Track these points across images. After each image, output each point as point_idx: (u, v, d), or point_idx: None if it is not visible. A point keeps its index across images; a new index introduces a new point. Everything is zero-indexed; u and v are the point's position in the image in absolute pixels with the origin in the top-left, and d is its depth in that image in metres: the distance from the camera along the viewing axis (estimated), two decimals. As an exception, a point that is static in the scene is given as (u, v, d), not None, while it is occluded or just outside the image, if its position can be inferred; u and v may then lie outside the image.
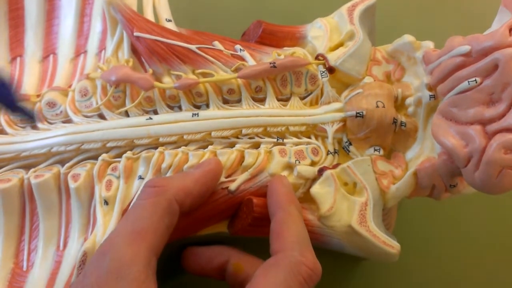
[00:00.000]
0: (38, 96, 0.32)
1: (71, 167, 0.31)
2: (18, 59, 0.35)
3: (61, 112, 0.32)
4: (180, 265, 0.30)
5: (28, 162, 0.31)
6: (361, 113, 0.31)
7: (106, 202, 0.30)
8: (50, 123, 0.32)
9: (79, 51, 0.35)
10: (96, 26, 0.35)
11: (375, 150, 0.32)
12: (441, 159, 0.28)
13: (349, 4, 0.34)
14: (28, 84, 0.34)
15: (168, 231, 0.26)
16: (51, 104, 0.32)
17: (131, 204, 0.29)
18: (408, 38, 0.31)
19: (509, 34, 0.26)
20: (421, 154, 0.30)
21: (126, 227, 0.25)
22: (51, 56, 0.35)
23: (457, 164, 0.27)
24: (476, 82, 0.26)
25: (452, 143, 0.27)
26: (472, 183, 0.27)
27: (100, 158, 0.31)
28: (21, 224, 0.31)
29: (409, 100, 0.31)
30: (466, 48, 0.27)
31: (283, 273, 0.24)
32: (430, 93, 0.29)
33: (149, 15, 0.34)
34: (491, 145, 0.25)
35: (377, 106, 0.31)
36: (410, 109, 0.31)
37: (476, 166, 0.26)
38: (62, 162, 0.31)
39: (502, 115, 0.26)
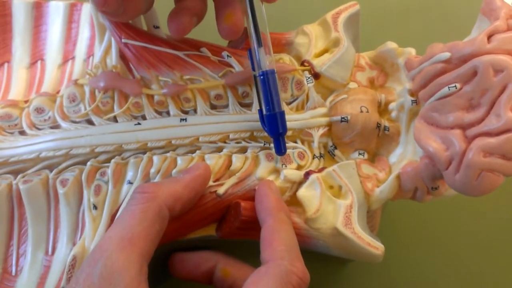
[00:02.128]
0: (26, 102, 0.33)
1: (60, 172, 0.31)
2: (6, 65, 0.35)
3: (49, 117, 0.32)
4: (167, 269, 0.31)
5: (17, 167, 0.31)
6: (345, 118, 0.31)
7: (95, 207, 0.30)
8: (39, 129, 0.32)
9: (67, 57, 0.35)
10: (84, 32, 0.35)
11: (359, 154, 0.32)
12: (423, 163, 0.29)
13: (333, 11, 0.35)
14: (16, 90, 0.34)
15: (158, 237, 0.26)
16: (39, 110, 0.32)
17: (121, 209, 0.30)
18: (390, 45, 0.32)
19: (488, 42, 0.27)
20: (404, 157, 0.31)
21: (116, 234, 0.25)
22: (39, 62, 0.35)
23: (438, 167, 0.28)
24: (456, 88, 0.27)
25: (434, 147, 0.28)
26: (453, 185, 0.28)
27: (88, 163, 0.31)
28: (10, 229, 0.31)
29: (392, 105, 0.32)
30: (446, 55, 0.28)
31: (274, 282, 0.25)
32: (412, 99, 0.30)
33: (137, 22, 0.35)
34: (471, 148, 0.26)
35: (361, 111, 0.31)
36: (393, 114, 0.32)
37: (456, 169, 0.27)
38: (50, 168, 0.31)
39: (481, 120, 0.27)
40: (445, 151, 0.27)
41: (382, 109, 0.33)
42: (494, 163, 0.26)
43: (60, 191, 0.30)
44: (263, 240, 0.27)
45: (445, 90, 0.28)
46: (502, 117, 0.26)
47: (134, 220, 0.26)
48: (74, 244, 0.30)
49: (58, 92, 0.33)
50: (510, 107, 0.26)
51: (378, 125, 0.32)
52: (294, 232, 0.28)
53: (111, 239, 0.25)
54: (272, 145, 0.32)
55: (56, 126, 0.32)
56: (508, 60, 0.26)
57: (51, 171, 0.31)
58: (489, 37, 0.27)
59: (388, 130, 0.32)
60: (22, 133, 0.32)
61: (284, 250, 0.26)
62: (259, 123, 0.32)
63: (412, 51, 0.32)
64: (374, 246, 0.30)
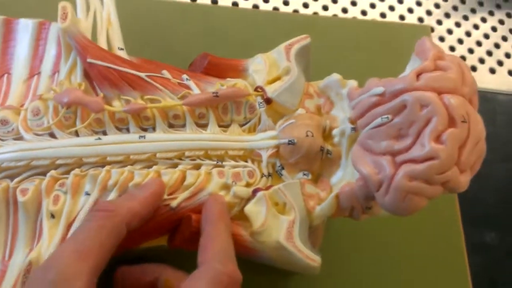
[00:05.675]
0: (-10, 113, 0.34)
1: (20, 181, 0.32)
2: (-28, 77, 0.36)
3: (12, 129, 0.34)
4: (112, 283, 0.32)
5: (-22, 176, 0.33)
6: (292, 141, 0.34)
7: (52, 216, 0.32)
8: (2, 140, 0.33)
9: (33, 72, 0.37)
10: (51, 50, 0.37)
11: (304, 174, 0.35)
12: (358, 184, 0.32)
13: (287, 42, 0.38)
14: (-19, 101, 0.35)
15: (112, 251, 0.28)
16: (4, 122, 0.33)
17: (77, 221, 0.31)
18: (335, 76, 0.36)
19: (416, 79, 0.30)
20: (343, 179, 0.34)
21: (73, 246, 0.26)
22: (5, 76, 0.36)
23: (371, 189, 0.31)
24: (388, 119, 0.30)
25: (367, 171, 0.31)
26: (383, 205, 0.31)
27: (48, 174, 0.32)
28: (-32, 235, 0.32)
29: (335, 131, 0.35)
30: (380, 89, 0.31)
31: (206, 282, 0.26)
32: (352, 126, 0.33)
33: (102, 43, 0.37)
34: (398, 173, 0.29)
35: (307, 135, 0.34)
36: (336, 139, 0.35)
37: (386, 191, 0.30)
38: (11, 177, 0.33)
39: (408, 148, 0.30)
40: (377, 174, 0.31)
41: (327, 134, 0.36)
42: (418, 187, 0.29)
43: (20, 199, 0.32)
44: (200, 246, 0.29)
45: (378, 120, 0.31)
46: (426, 146, 0.29)
47: (91, 235, 0.27)
48: (30, 250, 0.31)
49: (22, 106, 0.35)
50: (433, 138, 0.29)
51: (322, 149, 0.35)
52: (230, 239, 0.30)
53: (67, 250, 0.26)
54: (224, 163, 0.34)
55: (19, 138, 0.34)
56: (433, 96, 0.29)
57: (11, 180, 0.32)
58: (418, 75, 0.30)
59: (330, 154, 0.35)
60: (-15, 143, 0.33)
61: (216, 253, 0.28)
62: (213, 143, 0.34)
63: (354, 83, 0.35)
64: (312, 258, 0.33)
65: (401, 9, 0.63)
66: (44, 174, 0.33)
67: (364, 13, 0.62)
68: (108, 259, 0.28)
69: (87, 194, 0.32)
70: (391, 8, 0.63)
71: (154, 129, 0.34)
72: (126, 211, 0.29)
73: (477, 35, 0.64)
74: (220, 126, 0.35)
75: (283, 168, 0.35)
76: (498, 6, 0.67)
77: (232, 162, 0.35)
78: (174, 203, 0.32)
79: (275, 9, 0.58)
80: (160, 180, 0.32)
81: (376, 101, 0.31)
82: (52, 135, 0.34)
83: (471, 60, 0.63)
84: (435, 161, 0.29)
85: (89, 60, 0.34)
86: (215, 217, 0.31)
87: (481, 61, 0.63)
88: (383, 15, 0.62)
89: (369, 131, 0.32)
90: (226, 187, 0.34)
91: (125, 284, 0.32)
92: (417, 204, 0.30)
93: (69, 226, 0.31)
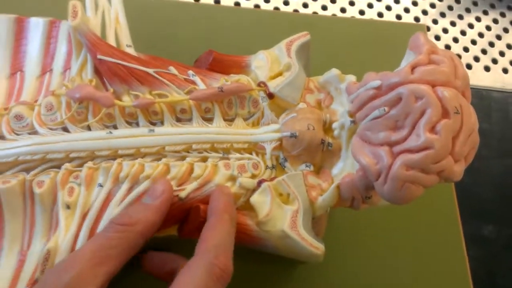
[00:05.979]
0: (6, 109, 0.35)
1: (36, 174, 0.34)
2: (-13, 75, 0.38)
3: (27, 124, 0.35)
4: (137, 261, 0.34)
5: (-5, 169, 0.34)
6: (294, 134, 0.36)
7: (68, 207, 0.33)
8: (17, 134, 0.35)
9: (45, 69, 0.38)
10: (62, 47, 0.38)
11: (306, 166, 0.37)
12: (358, 174, 0.34)
13: (287, 39, 0.39)
14: (-4, 98, 0.37)
15: (127, 260, 0.29)
16: (19, 117, 0.35)
17: (93, 213, 0.33)
18: (334, 71, 0.37)
19: (411, 73, 0.32)
20: (344, 170, 0.36)
21: (92, 251, 0.28)
22: (18, 73, 0.38)
23: (370, 179, 0.33)
24: (385, 111, 0.32)
25: (366, 161, 0.32)
26: (382, 195, 0.32)
27: (63, 167, 0.34)
28: (-13, 226, 0.34)
29: (335, 124, 0.36)
30: (377, 82, 0.32)
31: (199, 272, 0.28)
32: (351, 119, 0.35)
33: (111, 40, 0.38)
34: (396, 163, 0.31)
35: (308, 129, 0.36)
36: (336, 132, 0.36)
37: (384, 180, 0.32)
38: (27, 170, 0.34)
39: (405, 139, 0.31)
40: (375, 164, 0.32)
41: (327, 127, 0.37)
42: (415, 176, 0.31)
43: (36, 191, 0.33)
44: (200, 235, 0.31)
45: (376, 112, 0.32)
46: (421, 137, 0.30)
47: (108, 244, 0.29)
48: (47, 240, 0.33)
49: (36, 101, 0.36)
50: (427, 128, 0.30)
51: (323, 142, 0.36)
52: (230, 232, 0.31)
53: (86, 254, 0.28)
54: (230, 155, 0.36)
55: (33, 132, 0.35)
56: (427, 89, 0.31)
57: (27, 173, 0.34)
58: (413, 69, 0.32)
59: (331, 146, 0.37)
60: (2, 138, 0.35)
61: (213, 245, 0.29)
62: (219, 136, 0.36)
63: (352, 77, 0.36)
64: (315, 246, 0.34)
65: (398, 9, 0.65)
66: (58, 167, 0.34)
67: (362, 12, 0.64)
68: (122, 266, 0.29)
69: (100, 185, 0.34)
70: (388, 8, 0.65)
71: (162, 123, 0.36)
72: (143, 226, 0.30)
73: (472, 34, 0.66)
74: (225, 120, 0.37)
75: (286, 160, 0.37)
76: (492, 6, 0.68)
77: (237, 155, 0.36)
78: (183, 194, 0.34)
79: (276, 8, 0.60)
80: (168, 183, 0.33)
81: (373, 94, 0.33)
82: (65, 129, 0.35)
83: (466, 58, 0.64)
84: (430, 150, 0.30)
85: (99, 56, 0.35)
86: (220, 209, 0.32)
87: (476, 59, 0.64)
88: (380, 14, 0.64)
89: (367, 123, 0.33)
90: (232, 178, 0.35)
91: (148, 265, 0.33)
92: (414, 192, 0.31)
93: (84, 216, 0.33)
